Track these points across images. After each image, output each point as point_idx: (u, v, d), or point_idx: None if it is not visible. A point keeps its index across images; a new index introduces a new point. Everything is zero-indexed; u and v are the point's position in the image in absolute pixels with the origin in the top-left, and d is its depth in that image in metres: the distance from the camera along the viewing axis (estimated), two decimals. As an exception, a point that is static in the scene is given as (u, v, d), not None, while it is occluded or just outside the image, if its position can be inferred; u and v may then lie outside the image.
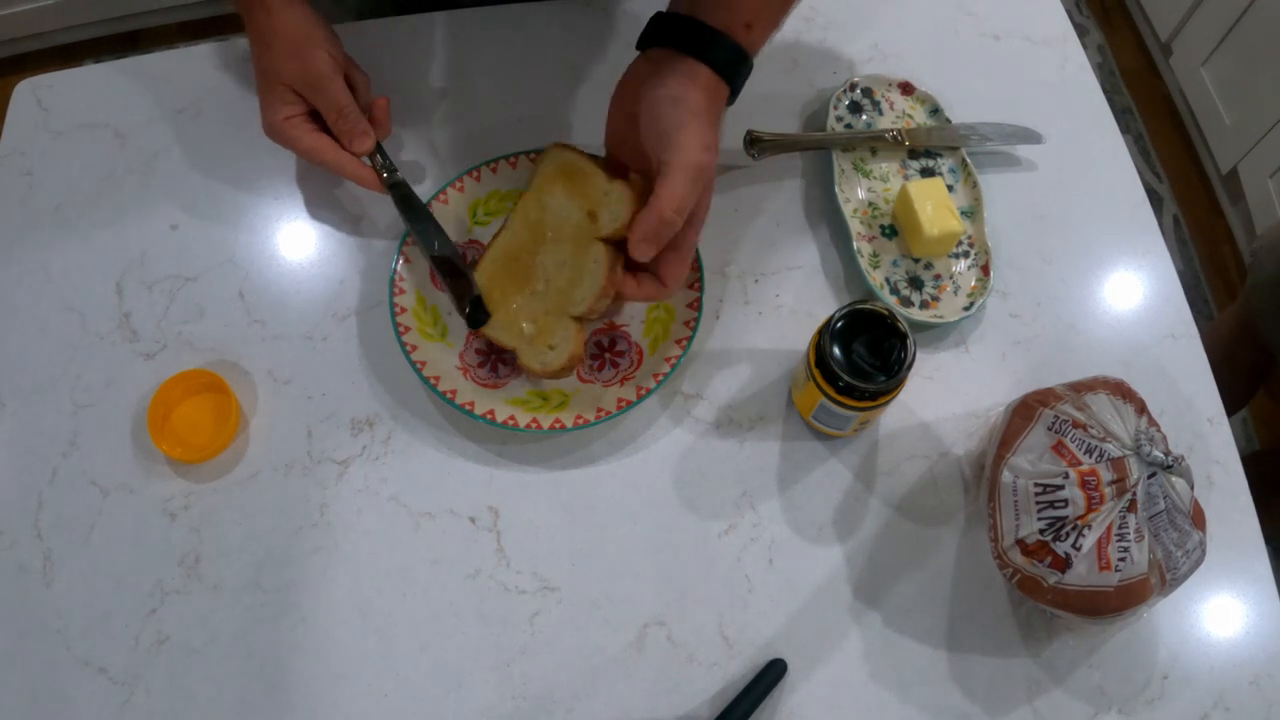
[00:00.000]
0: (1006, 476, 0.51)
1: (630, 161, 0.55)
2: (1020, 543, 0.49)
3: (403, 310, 0.57)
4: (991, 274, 0.61)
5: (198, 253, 0.62)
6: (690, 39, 0.50)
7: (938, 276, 0.62)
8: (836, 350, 0.51)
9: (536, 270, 0.56)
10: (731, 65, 0.51)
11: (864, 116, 0.67)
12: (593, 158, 0.57)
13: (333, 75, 0.57)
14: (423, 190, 0.63)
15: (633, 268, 0.54)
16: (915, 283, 0.62)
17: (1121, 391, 0.52)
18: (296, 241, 0.63)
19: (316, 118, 0.58)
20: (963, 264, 0.62)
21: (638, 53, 0.54)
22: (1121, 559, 0.47)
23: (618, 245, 0.54)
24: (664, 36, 0.52)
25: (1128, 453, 0.49)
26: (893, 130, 0.65)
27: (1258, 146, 1.41)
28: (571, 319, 0.54)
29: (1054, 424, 0.51)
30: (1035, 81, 0.70)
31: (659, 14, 0.53)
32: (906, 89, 0.68)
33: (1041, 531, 0.48)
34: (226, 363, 0.58)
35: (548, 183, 0.57)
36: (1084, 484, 0.48)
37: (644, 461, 0.57)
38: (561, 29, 0.70)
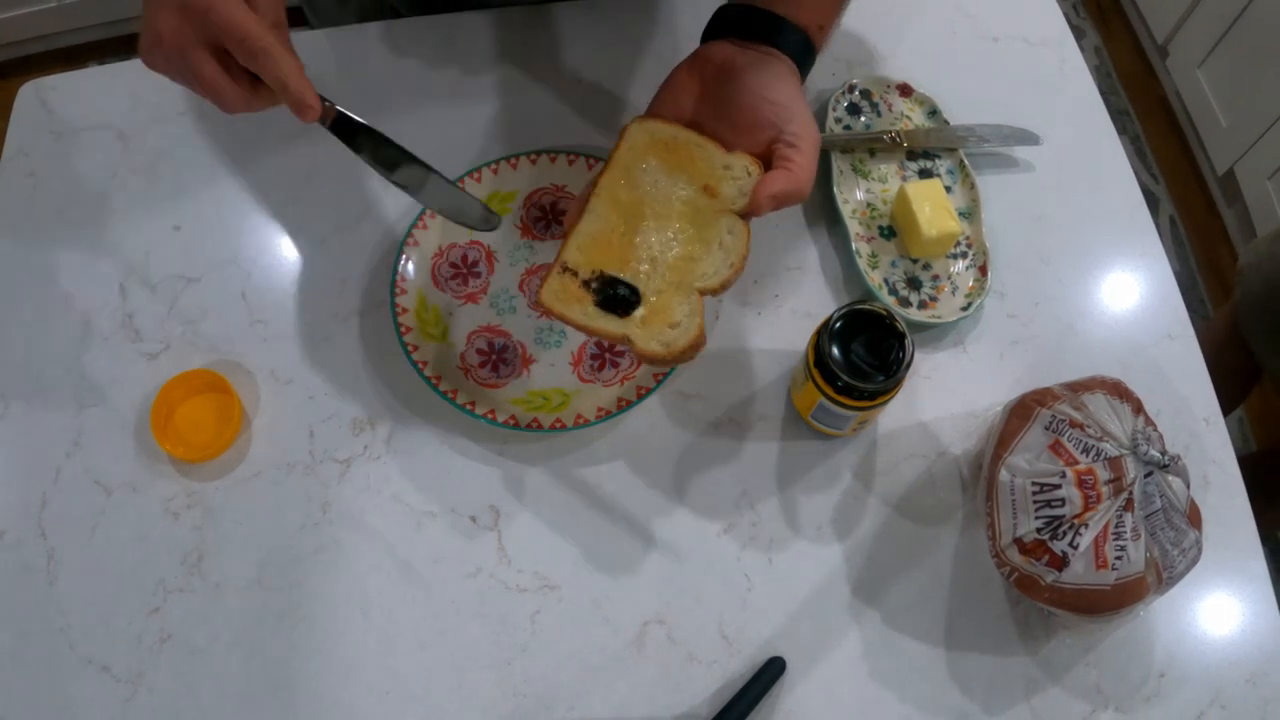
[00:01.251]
0: (1004, 476, 0.51)
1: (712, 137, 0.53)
2: (1018, 541, 0.49)
3: (404, 310, 0.58)
4: (989, 274, 0.61)
5: (200, 253, 0.62)
6: (769, 29, 0.51)
7: (936, 277, 0.62)
8: (835, 350, 0.51)
9: (636, 252, 0.51)
10: (802, 59, 0.52)
11: (862, 118, 0.68)
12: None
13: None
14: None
15: None
16: (913, 283, 0.62)
17: (1118, 391, 0.53)
18: (298, 242, 0.63)
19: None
20: (960, 264, 0.63)
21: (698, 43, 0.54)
22: (1118, 558, 0.48)
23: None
24: (741, 26, 0.52)
25: (1125, 452, 0.49)
26: (891, 132, 0.66)
27: (1254, 148, 1.42)
28: (696, 293, 0.50)
29: (1051, 423, 0.51)
30: (1033, 83, 0.70)
31: (727, 5, 0.53)
32: (905, 91, 0.68)
33: (1039, 530, 0.49)
34: (229, 363, 0.59)
35: (636, 160, 0.52)
36: (1081, 483, 0.48)
37: (644, 461, 0.57)
38: (561, 33, 0.70)
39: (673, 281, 0.50)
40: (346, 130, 0.50)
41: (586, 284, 0.50)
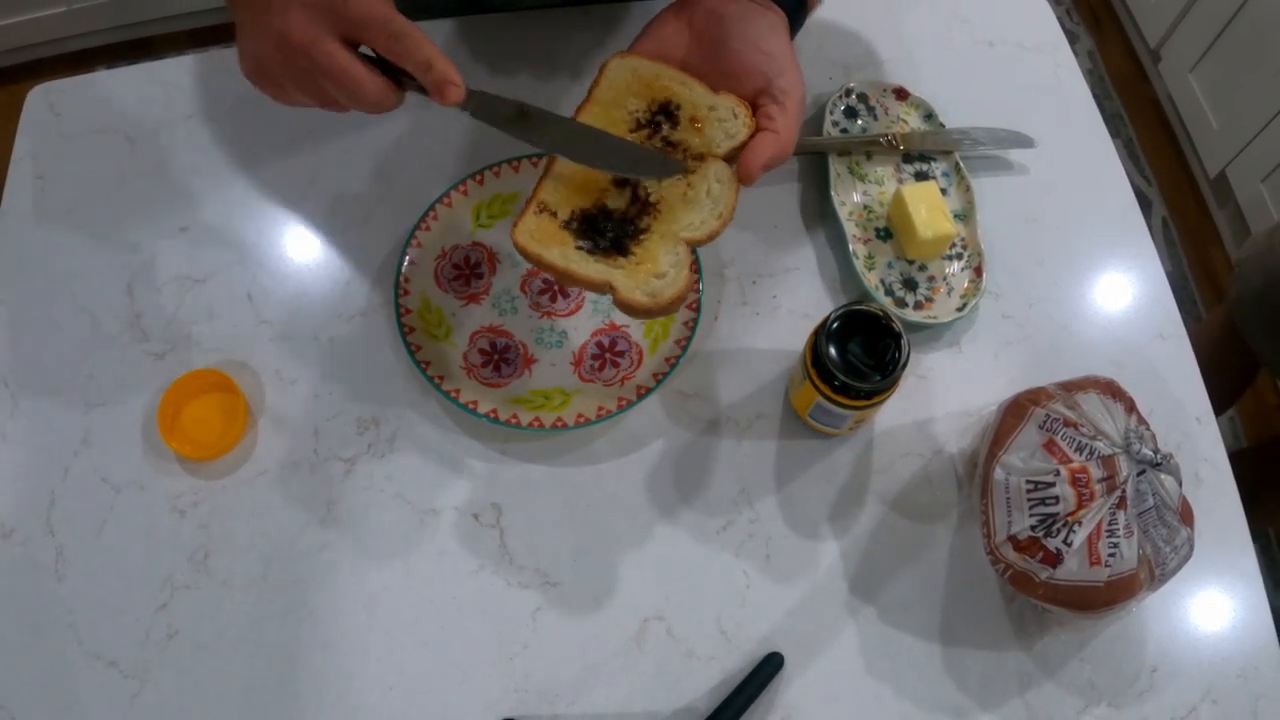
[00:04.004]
0: (999, 474, 0.51)
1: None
2: (1012, 539, 0.50)
3: (407, 311, 0.58)
4: (984, 275, 0.62)
5: (207, 255, 0.63)
6: None
7: (931, 278, 0.63)
8: (832, 350, 0.52)
9: (617, 194, 0.48)
10: (795, 14, 0.52)
11: (859, 121, 0.68)
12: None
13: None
14: (424, 193, 0.64)
15: None
16: (909, 284, 0.63)
17: (1111, 391, 0.53)
18: (303, 244, 0.64)
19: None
20: (956, 266, 0.63)
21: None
22: (1111, 555, 0.48)
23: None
24: None
25: (1118, 450, 0.50)
26: (887, 135, 0.67)
27: (1245, 151, 1.43)
28: (683, 244, 0.47)
29: (1045, 422, 0.52)
30: (1027, 87, 0.71)
31: None
32: (901, 94, 0.69)
33: (1033, 528, 0.49)
34: (235, 362, 0.59)
35: (618, 95, 0.49)
36: (1075, 481, 0.49)
37: (644, 459, 0.57)
38: (562, 36, 0.70)
39: (658, 230, 0.47)
40: (487, 108, 0.47)
41: (566, 224, 0.46)
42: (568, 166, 0.48)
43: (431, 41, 0.44)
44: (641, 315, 0.46)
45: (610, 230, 0.47)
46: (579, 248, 0.46)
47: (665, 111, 0.49)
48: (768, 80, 0.48)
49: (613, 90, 0.49)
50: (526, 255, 0.46)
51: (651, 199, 0.48)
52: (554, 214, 0.47)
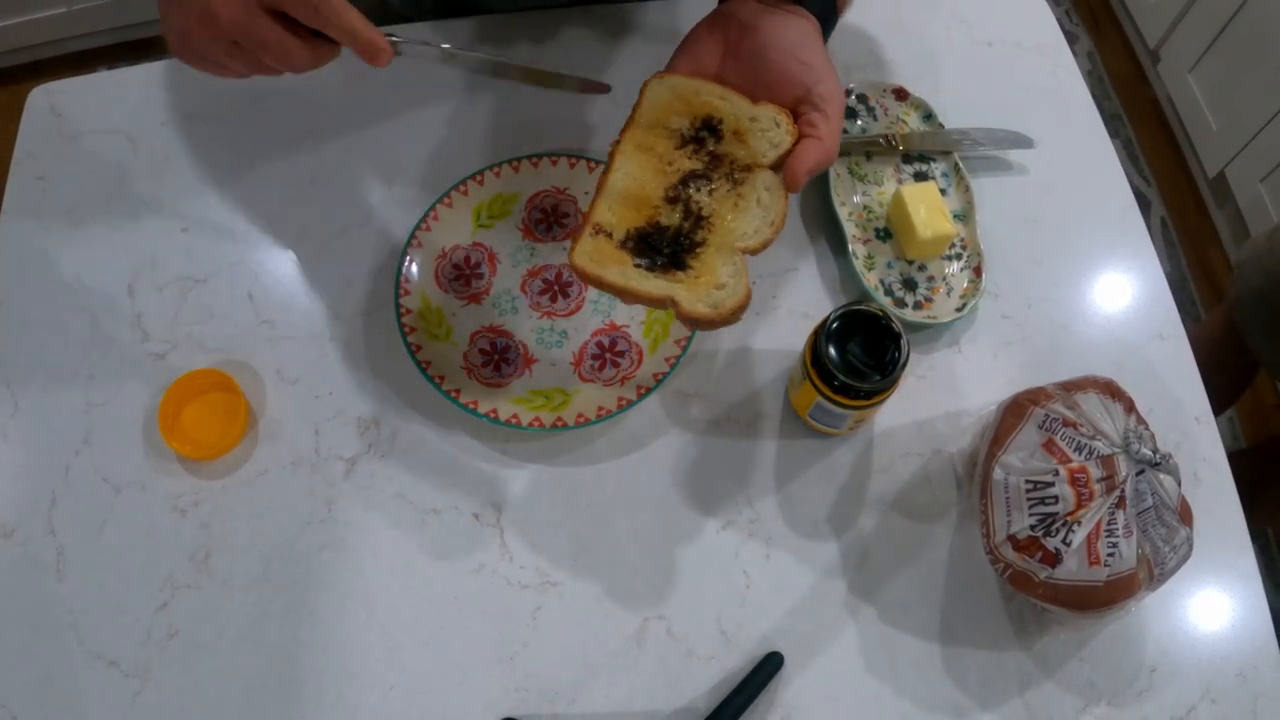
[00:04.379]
0: (998, 473, 0.52)
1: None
2: (1012, 538, 0.50)
3: (408, 311, 0.59)
4: (983, 276, 0.62)
5: (207, 255, 0.63)
6: None
7: (931, 278, 0.63)
8: (832, 350, 0.52)
9: (670, 210, 0.49)
10: (826, 20, 0.52)
11: (859, 122, 0.68)
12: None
13: None
14: (425, 193, 0.64)
15: None
16: (909, 284, 0.63)
17: (1111, 391, 0.53)
18: (304, 244, 0.64)
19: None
20: (955, 266, 0.63)
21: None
22: (1110, 554, 0.48)
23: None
24: None
25: (1117, 450, 0.50)
26: (887, 135, 0.67)
27: (1244, 151, 1.43)
28: (739, 253, 0.47)
29: (1045, 422, 0.52)
30: (1026, 88, 0.71)
31: None
32: (901, 95, 0.69)
33: (1032, 527, 0.49)
34: (236, 362, 0.59)
35: (660, 115, 0.50)
36: (1074, 481, 0.49)
37: (644, 459, 0.58)
38: (563, 37, 0.71)
39: (713, 242, 0.48)
40: (416, 55, 0.49)
41: (623, 244, 0.47)
42: (619, 183, 0.49)
43: (353, 8, 0.45)
44: (705, 328, 0.46)
45: (666, 246, 0.47)
46: (637, 265, 0.47)
47: (709, 127, 0.50)
48: (807, 89, 0.49)
49: (654, 110, 0.50)
50: (586, 278, 0.46)
51: (704, 213, 0.48)
52: (609, 235, 0.47)
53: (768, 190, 0.48)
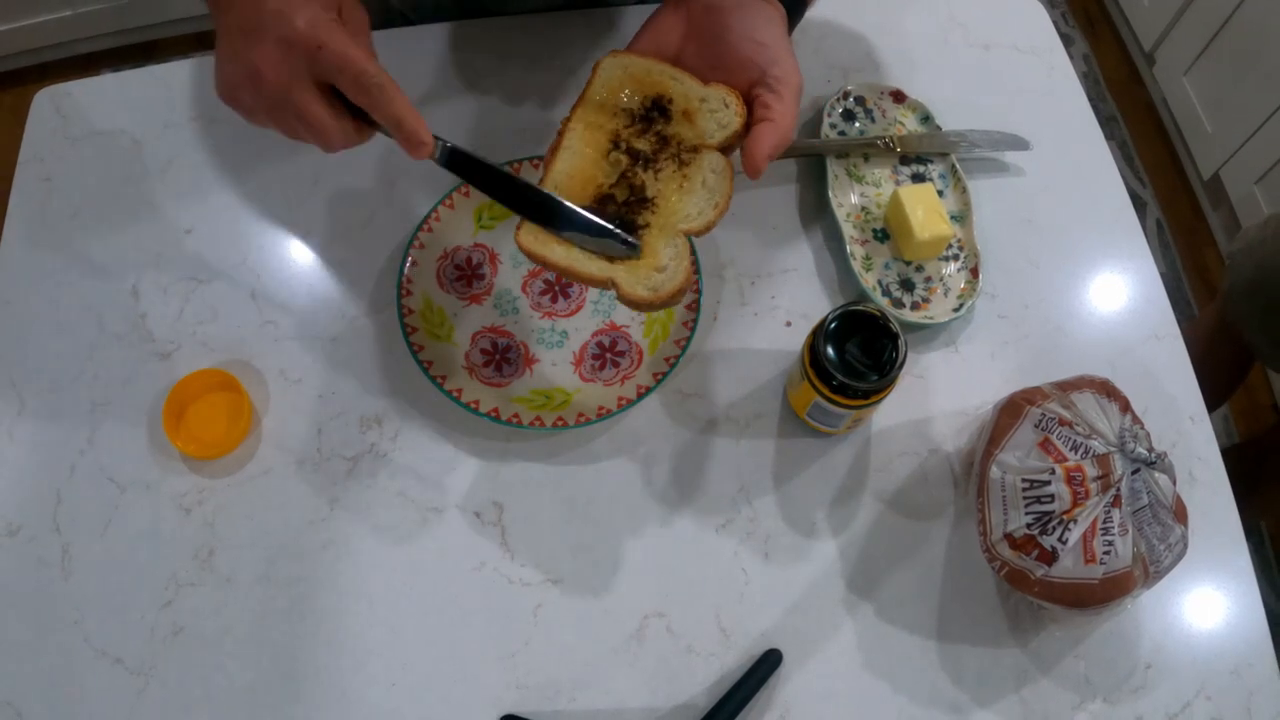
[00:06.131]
0: (995, 472, 0.52)
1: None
2: (1008, 537, 0.51)
3: (410, 312, 0.59)
4: (980, 276, 0.62)
5: (211, 256, 0.63)
6: None
7: (928, 279, 0.64)
8: (830, 350, 0.52)
9: (616, 190, 0.49)
10: (793, 7, 0.52)
11: (857, 124, 0.69)
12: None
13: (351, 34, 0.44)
14: (427, 194, 0.64)
15: None
16: (906, 285, 0.64)
17: (1106, 390, 0.54)
18: (307, 245, 0.64)
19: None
20: (952, 267, 0.64)
21: None
22: (1106, 552, 0.49)
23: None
24: None
25: (1112, 449, 0.50)
26: (885, 137, 0.67)
27: (1239, 153, 1.44)
28: (681, 236, 0.47)
29: (1041, 422, 0.52)
30: (1023, 90, 0.72)
31: None
32: (898, 97, 0.70)
33: (1029, 526, 0.50)
34: (239, 362, 0.60)
35: (611, 94, 0.51)
36: (1070, 480, 0.49)
37: (644, 458, 0.58)
38: (564, 39, 0.71)
39: (656, 224, 0.48)
40: (459, 164, 0.48)
41: None
42: (567, 161, 0.49)
43: (403, 95, 0.44)
44: (644, 309, 0.46)
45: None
46: (581, 246, 0.47)
47: (659, 107, 0.50)
48: (762, 71, 0.49)
49: (606, 89, 0.51)
50: (531, 256, 0.47)
51: (649, 193, 0.49)
52: None
53: (714, 172, 0.49)
